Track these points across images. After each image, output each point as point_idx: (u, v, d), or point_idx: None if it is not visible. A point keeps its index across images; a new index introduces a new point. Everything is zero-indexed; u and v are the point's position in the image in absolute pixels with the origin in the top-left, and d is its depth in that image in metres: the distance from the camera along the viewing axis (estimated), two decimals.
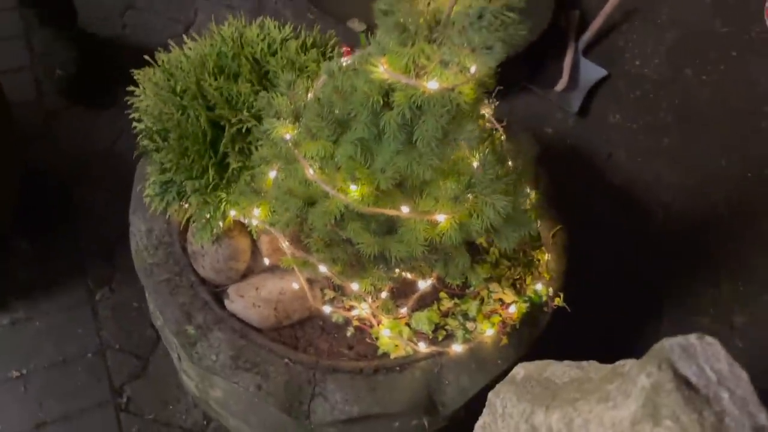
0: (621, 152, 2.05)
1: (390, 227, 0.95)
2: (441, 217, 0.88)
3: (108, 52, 2.07)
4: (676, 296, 1.81)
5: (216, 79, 1.04)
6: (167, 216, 1.22)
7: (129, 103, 1.13)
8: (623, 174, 2.01)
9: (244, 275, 1.20)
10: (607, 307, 1.71)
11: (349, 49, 1.19)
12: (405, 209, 0.86)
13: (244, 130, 1.03)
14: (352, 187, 0.86)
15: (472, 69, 0.75)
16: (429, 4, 0.76)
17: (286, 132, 0.90)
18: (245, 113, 1.03)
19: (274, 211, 1.01)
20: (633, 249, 1.87)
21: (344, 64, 0.90)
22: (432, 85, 0.76)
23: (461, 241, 0.91)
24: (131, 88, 1.13)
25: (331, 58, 1.12)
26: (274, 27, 1.11)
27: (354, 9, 2.01)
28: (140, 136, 1.13)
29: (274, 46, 1.09)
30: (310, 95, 0.93)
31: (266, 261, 1.17)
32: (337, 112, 0.87)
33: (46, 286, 1.67)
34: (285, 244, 1.06)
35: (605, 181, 2.00)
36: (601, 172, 2.02)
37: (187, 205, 1.15)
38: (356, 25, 1.94)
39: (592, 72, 2.14)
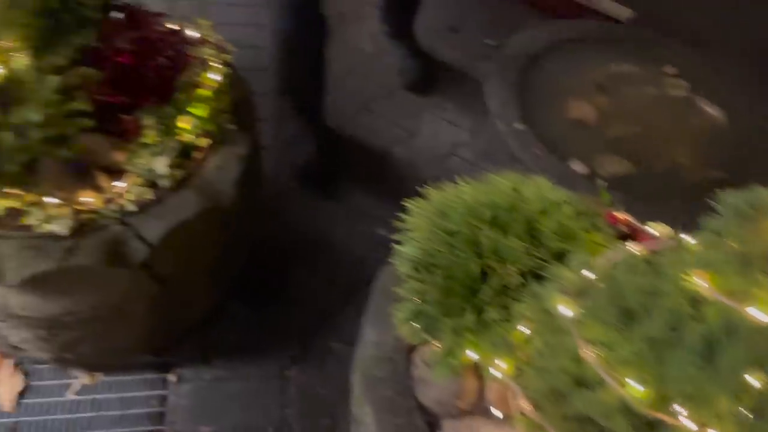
0: None
1: (651, 424, 0.92)
2: None
3: (339, 146, 2.29)
4: None
5: (489, 229, 1.10)
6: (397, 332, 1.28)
7: (397, 227, 1.22)
8: None
9: (462, 413, 1.21)
10: None
11: (612, 217, 1.21)
12: (689, 424, 0.83)
13: (508, 284, 1.07)
14: (633, 384, 0.84)
15: None
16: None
17: (567, 307, 0.93)
18: (512, 267, 1.07)
19: (521, 372, 1.02)
20: None
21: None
22: (757, 314, 0.75)
23: None
24: (401, 214, 1.22)
25: (598, 228, 1.14)
26: (549, 188, 1.16)
27: (574, 151, 2.06)
28: (398, 259, 1.21)
29: (547, 207, 1.14)
30: (593, 275, 0.95)
31: (492, 409, 1.17)
32: (629, 303, 0.87)
33: (248, 353, 1.81)
34: (522, 404, 1.06)
35: None
36: None
37: (421, 329, 1.20)
38: (579, 167, 1.97)
39: None
